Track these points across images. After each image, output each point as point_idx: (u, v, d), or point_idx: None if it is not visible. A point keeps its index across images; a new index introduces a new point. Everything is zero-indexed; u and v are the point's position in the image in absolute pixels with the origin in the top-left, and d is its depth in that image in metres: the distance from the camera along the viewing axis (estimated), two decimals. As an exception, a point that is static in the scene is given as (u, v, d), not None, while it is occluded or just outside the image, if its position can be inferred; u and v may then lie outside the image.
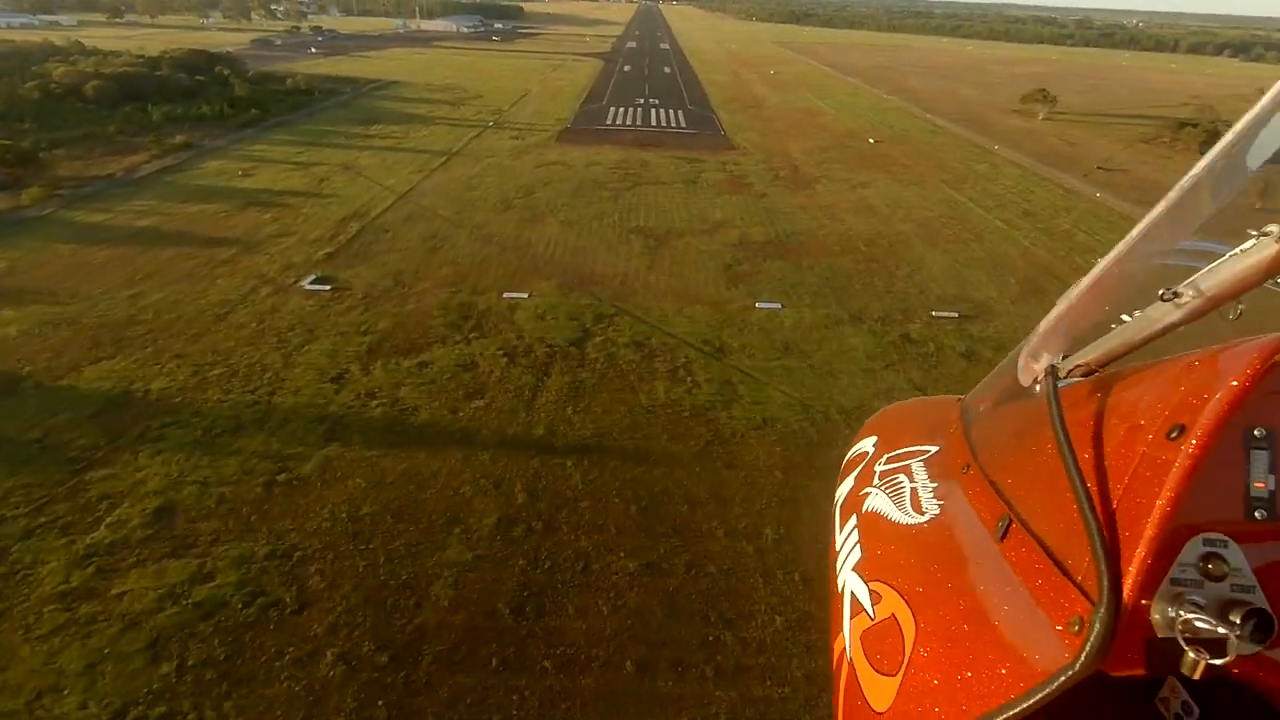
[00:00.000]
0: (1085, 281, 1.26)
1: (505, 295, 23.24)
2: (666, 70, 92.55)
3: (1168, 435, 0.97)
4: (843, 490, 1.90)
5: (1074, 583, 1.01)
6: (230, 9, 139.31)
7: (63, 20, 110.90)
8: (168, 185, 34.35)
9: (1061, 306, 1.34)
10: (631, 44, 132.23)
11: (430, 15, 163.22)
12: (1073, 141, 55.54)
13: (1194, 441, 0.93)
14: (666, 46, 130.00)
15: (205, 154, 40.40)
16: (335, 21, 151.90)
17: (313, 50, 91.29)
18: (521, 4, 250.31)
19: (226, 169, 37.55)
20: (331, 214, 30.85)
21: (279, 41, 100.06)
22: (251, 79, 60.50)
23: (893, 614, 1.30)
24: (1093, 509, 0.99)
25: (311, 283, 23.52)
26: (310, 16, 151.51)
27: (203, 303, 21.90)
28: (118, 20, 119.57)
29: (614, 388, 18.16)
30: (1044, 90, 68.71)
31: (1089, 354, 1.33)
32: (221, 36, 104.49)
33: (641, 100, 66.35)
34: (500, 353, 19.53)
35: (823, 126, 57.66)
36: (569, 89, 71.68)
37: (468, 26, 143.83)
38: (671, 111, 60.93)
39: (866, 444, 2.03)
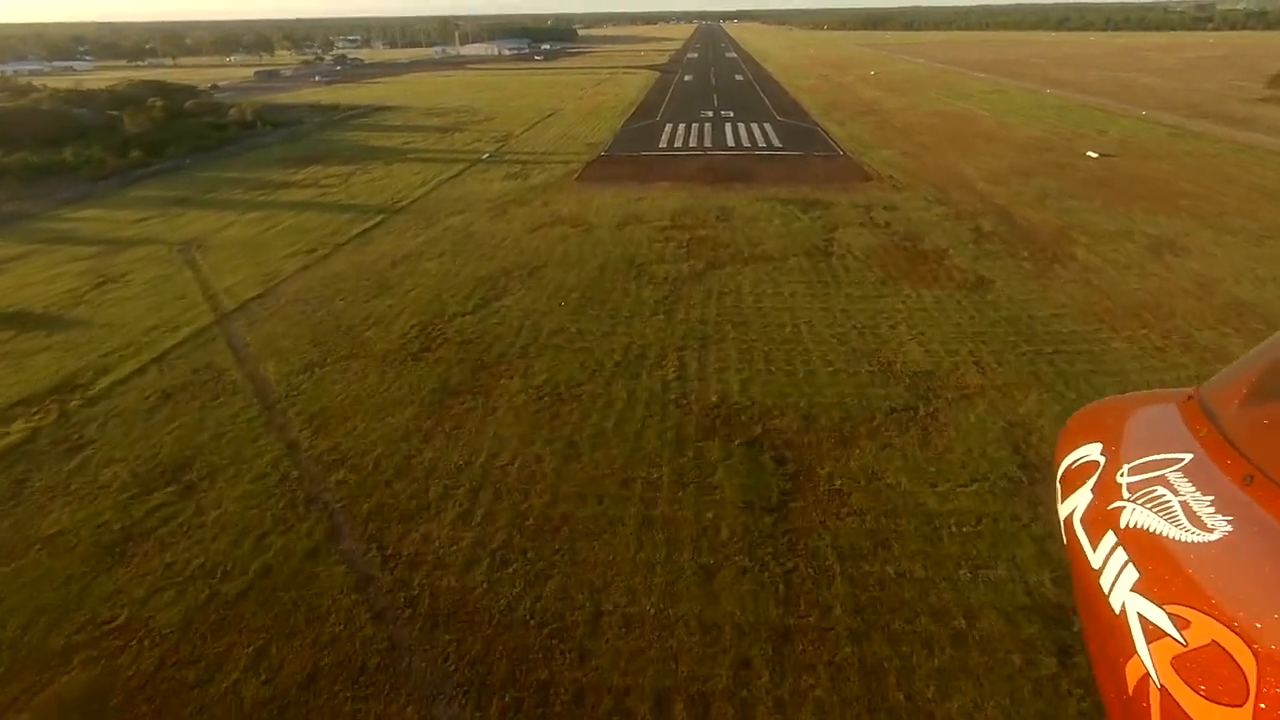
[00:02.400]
0: None
1: None
2: (738, 78, 73.91)
3: None
4: (1077, 504, 1.72)
5: None
6: (253, 46, 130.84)
7: (78, 65, 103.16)
8: None
9: None
10: (692, 55, 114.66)
11: (475, 41, 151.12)
12: None
13: None
14: (733, 55, 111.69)
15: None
16: (373, 52, 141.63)
17: (317, 79, 78.95)
18: (576, 28, 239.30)
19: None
20: (8, 389, 13.29)
21: (288, 73, 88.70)
22: (191, 111, 45.43)
23: (1213, 640, 1.21)
24: None
25: None
26: (341, 49, 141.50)
27: None
28: (139, 64, 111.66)
29: None
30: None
31: None
32: (227, 72, 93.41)
33: (709, 113, 47.77)
34: None
35: (991, 135, 37.34)
36: (611, 104, 53.89)
37: (510, 49, 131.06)
38: (755, 126, 41.90)
39: (1090, 452, 1.81)
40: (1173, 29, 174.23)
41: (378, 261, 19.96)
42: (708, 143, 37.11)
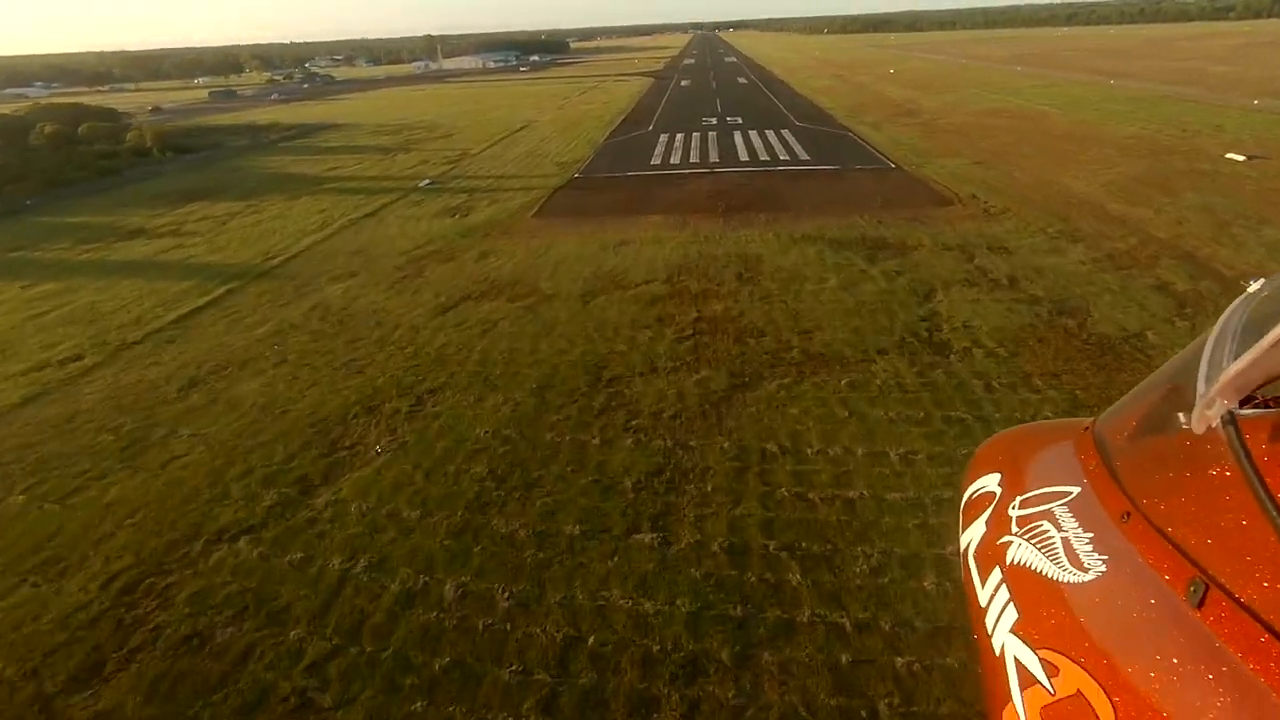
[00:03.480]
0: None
1: None
2: (741, 81, 65.95)
3: None
4: (973, 536, 1.70)
5: None
6: (219, 68, 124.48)
7: (30, 91, 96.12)
8: None
9: (1249, 357, 1.11)
10: (689, 60, 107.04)
11: (463, 56, 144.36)
12: None
13: None
14: (733, 59, 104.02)
15: None
16: (353, 70, 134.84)
17: (275, 97, 71.83)
18: (569, 41, 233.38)
19: None
20: None
21: (249, 92, 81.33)
22: (83, 138, 37.54)
23: (1078, 690, 1.16)
24: None
25: None
26: (318, 67, 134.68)
27: None
28: (100, 89, 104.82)
29: None
30: None
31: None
32: (183, 94, 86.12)
33: (713, 120, 39.63)
34: None
35: (1077, 136, 29.02)
36: (596, 115, 45.83)
37: (495, 62, 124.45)
38: (771, 134, 33.67)
39: (989, 482, 1.80)
40: (1190, 19, 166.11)
41: (166, 381, 11.66)
42: (714, 156, 28.87)
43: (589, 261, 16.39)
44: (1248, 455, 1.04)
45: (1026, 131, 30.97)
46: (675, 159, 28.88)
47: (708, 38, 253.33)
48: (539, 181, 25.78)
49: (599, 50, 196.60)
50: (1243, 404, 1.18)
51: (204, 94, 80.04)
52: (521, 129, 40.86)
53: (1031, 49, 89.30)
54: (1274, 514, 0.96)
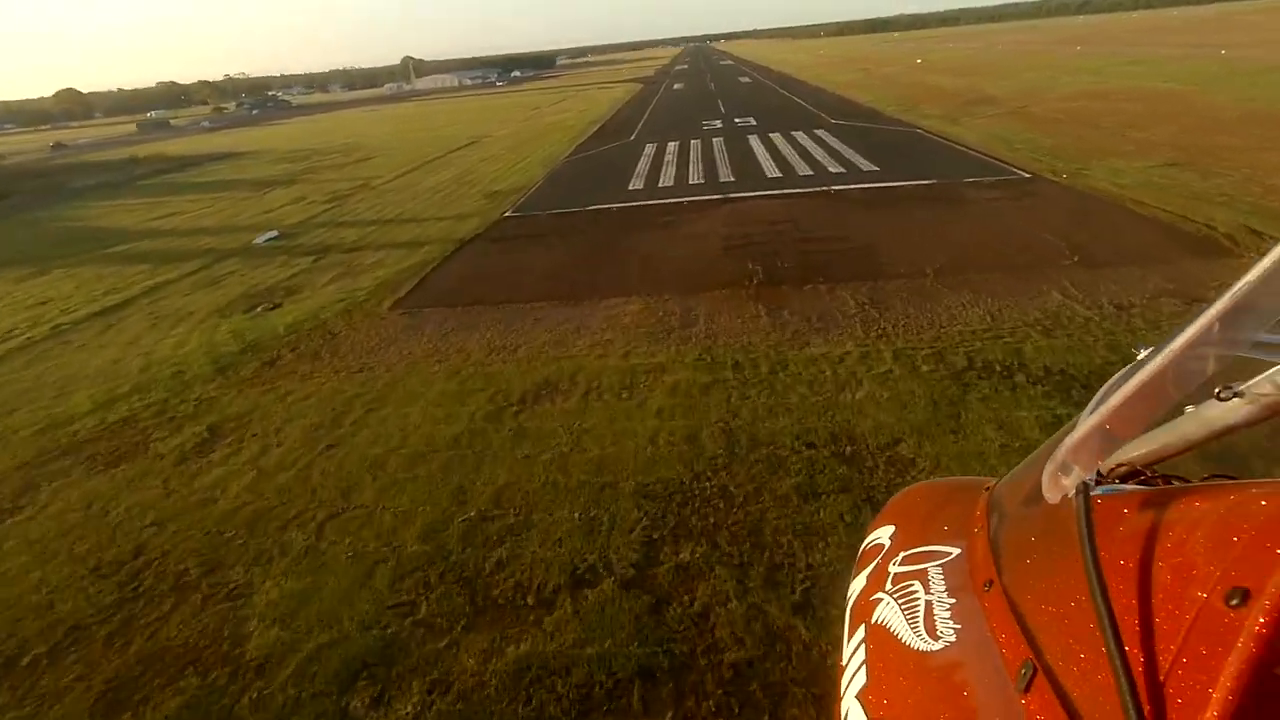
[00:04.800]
0: (1129, 387, 1.00)
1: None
2: (744, 80, 56.20)
3: (1227, 600, 0.74)
4: (855, 588, 1.59)
5: None
6: (175, 102, 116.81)
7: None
8: None
9: (1099, 415, 1.07)
10: (681, 66, 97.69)
11: (439, 75, 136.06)
12: None
13: (1261, 620, 0.70)
14: (730, 62, 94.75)
15: None
16: (326, 95, 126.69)
17: (204, 125, 64.64)
18: (557, 59, 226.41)
19: None
20: None
21: (184, 123, 73.47)
22: None
23: None
24: (1130, 680, 0.78)
25: None
26: (287, 95, 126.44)
27: None
28: (43, 127, 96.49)
29: None
30: None
31: (1130, 452, 1.13)
32: (115, 129, 77.08)
33: (716, 122, 29.72)
34: None
35: (1262, 118, 18.83)
36: (568, 123, 35.97)
37: (471, 79, 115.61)
38: (803, 136, 23.71)
39: (883, 534, 1.67)
40: (1198, 3, 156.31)
41: None
42: (725, 174, 18.80)
43: (438, 471, 6.21)
44: (1090, 531, 0.95)
45: (1177, 115, 20.87)
46: (667, 179, 18.84)
47: (700, 48, 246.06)
48: (442, 229, 15.75)
49: (587, 65, 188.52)
50: (1123, 479, 1.11)
51: (132, 127, 71.48)
52: (465, 146, 31.03)
53: (1071, 34, 79.56)
54: (1100, 599, 0.86)
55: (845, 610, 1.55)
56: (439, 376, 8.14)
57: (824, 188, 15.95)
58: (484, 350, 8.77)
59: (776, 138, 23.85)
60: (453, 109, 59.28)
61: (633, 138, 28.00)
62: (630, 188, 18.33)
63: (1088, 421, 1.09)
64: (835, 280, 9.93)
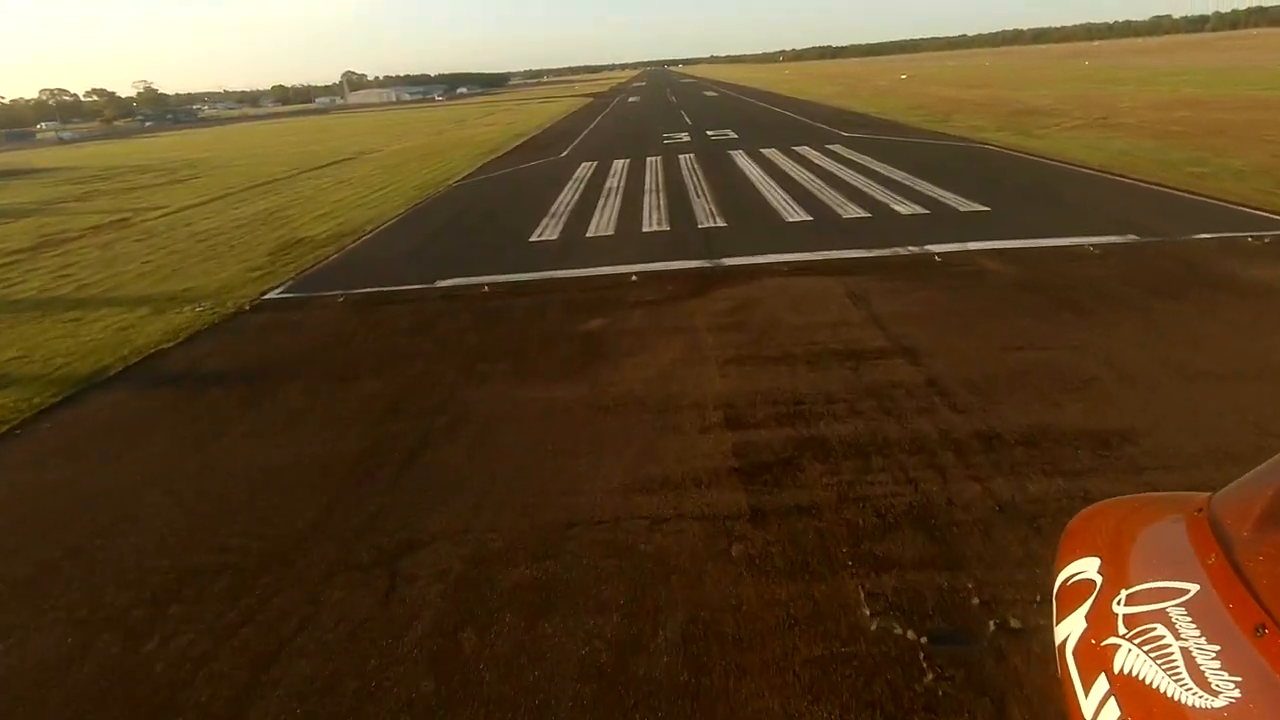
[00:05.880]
0: None
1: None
2: (710, 94, 48.79)
3: None
4: (1071, 630, 1.42)
5: None
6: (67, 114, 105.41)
7: None
8: None
9: None
10: (640, 84, 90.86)
11: (377, 89, 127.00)
12: None
13: None
14: (691, 80, 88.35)
15: None
16: (251, 110, 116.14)
17: (65, 136, 54.82)
18: (510, 77, 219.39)
19: None
20: None
21: (51, 136, 61.70)
22: None
23: None
24: None
25: None
26: (212, 108, 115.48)
27: None
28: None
29: None
30: None
31: None
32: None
33: (682, 135, 21.76)
34: None
35: None
36: (481, 139, 27.53)
37: (411, 94, 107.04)
38: (812, 153, 15.77)
39: (1087, 567, 1.50)
40: (1164, 33, 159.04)
41: None
42: (703, 212, 10.60)
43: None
44: None
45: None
46: (603, 223, 10.54)
47: (658, 71, 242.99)
48: (71, 347, 7.00)
49: (539, 84, 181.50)
50: None
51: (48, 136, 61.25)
52: (331, 164, 22.40)
53: (1061, 51, 75.46)
54: None
55: (1064, 656, 1.38)
56: None
57: (912, 248, 7.85)
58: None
59: (774, 154, 15.87)
60: (368, 122, 50.57)
61: (564, 154, 19.77)
62: (532, 237, 9.95)
63: None
64: None
